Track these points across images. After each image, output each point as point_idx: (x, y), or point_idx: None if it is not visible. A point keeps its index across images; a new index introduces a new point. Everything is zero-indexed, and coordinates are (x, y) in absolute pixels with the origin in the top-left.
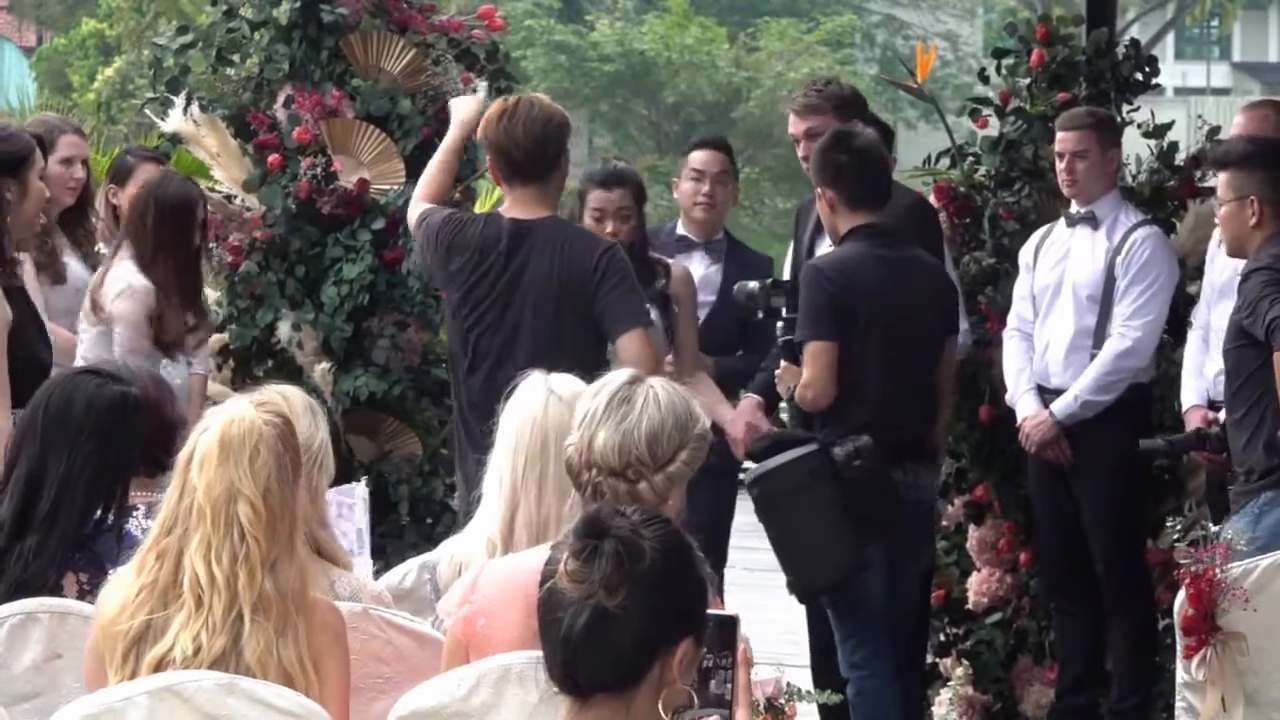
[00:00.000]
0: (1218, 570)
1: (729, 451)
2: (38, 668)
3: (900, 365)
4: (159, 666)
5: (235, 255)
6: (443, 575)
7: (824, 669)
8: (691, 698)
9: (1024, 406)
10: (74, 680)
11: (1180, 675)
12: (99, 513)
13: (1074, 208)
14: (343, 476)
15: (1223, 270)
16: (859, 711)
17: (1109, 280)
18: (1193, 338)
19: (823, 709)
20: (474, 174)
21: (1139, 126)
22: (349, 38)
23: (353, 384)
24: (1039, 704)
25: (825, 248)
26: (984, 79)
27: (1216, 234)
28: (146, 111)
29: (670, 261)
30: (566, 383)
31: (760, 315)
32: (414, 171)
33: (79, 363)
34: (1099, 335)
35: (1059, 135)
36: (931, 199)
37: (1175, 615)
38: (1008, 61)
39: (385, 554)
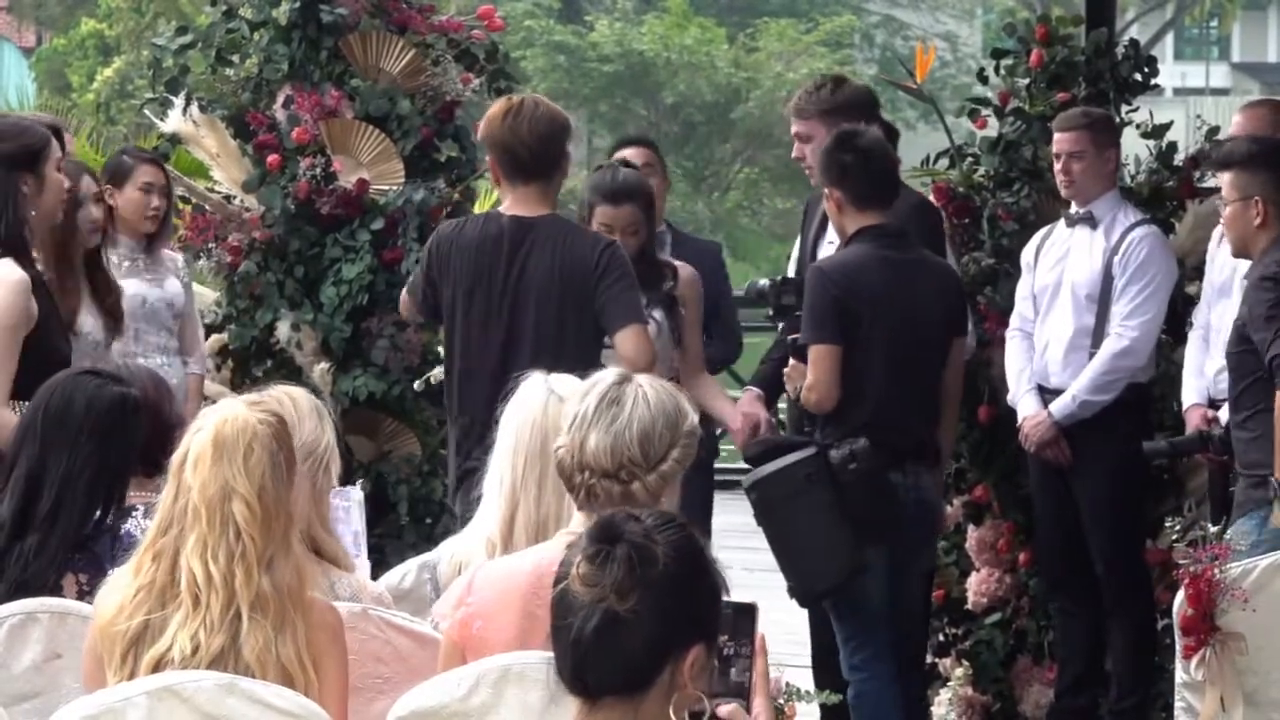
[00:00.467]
0: (1217, 570)
1: (713, 444)
2: (37, 668)
3: (905, 367)
4: (157, 666)
5: (234, 255)
6: (443, 575)
7: (825, 668)
8: (703, 701)
9: (1024, 406)
10: (74, 680)
11: (1179, 675)
12: (98, 513)
13: (1073, 208)
14: (342, 477)
15: (1222, 269)
16: (859, 713)
17: (1106, 280)
18: (1193, 337)
19: (824, 709)
20: (474, 174)
21: (1138, 127)
22: (348, 38)
23: (352, 384)
24: (1038, 704)
25: (826, 248)
26: (983, 79)
27: (1216, 233)
28: (146, 112)
29: (678, 264)
30: (567, 383)
31: (771, 313)
32: (413, 172)
33: None
34: (1097, 335)
35: (1055, 136)
36: (930, 199)
37: (1174, 615)
38: (1007, 62)
39: (384, 554)
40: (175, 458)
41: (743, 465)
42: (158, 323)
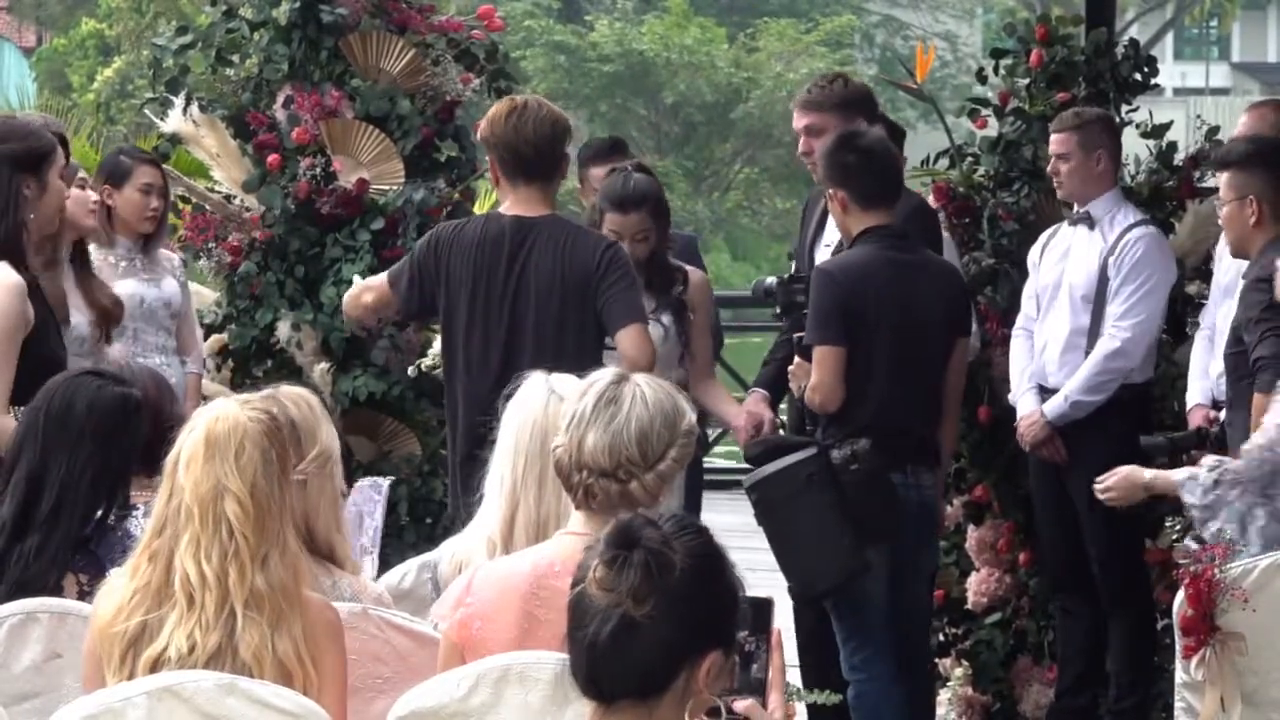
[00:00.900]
0: (1216, 570)
1: (702, 437)
2: (37, 668)
3: (907, 367)
4: (154, 666)
5: (235, 255)
6: (443, 575)
7: (812, 668)
8: (719, 708)
9: (1022, 406)
10: (74, 680)
11: (1179, 675)
12: (99, 513)
13: (1075, 207)
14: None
15: (1228, 270)
16: (858, 714)
17: (1102, 280)
18: (1199, 338)
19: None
20: (474, 174)
21: (1138, 127)
22: (348, 38)
23: (351, 384)
24: (1038, 704)
25: (823, 251)
26: (983, 79)
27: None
28: (146, 112)
29: (689, 269)
30: (567, 383)
31: (778, 310)
32: (413, 172)
33: None
34: (1093, 335)
35: (1050, 137)
36: (930, 199)
37: (1174, 615)
38: (1006, 62)
39: (384, 553)
40: (169, 459)
41: (743, 465)
42: (155, 323)
